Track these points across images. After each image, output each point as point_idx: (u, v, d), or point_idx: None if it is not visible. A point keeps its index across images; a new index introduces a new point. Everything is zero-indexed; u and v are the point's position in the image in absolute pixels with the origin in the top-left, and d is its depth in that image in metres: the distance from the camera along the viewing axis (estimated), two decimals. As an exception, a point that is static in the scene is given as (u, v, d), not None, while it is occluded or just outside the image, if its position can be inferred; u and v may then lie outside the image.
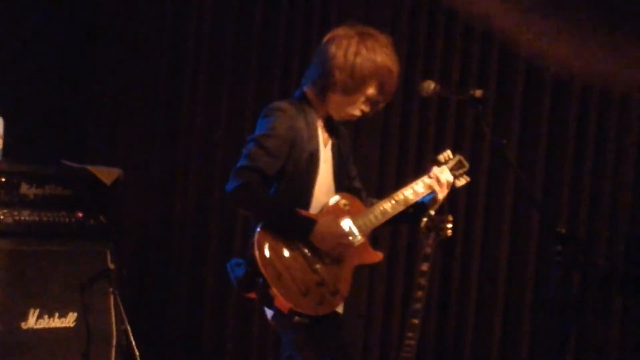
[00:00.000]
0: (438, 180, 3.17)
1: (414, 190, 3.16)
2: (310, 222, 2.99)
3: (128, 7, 4.99)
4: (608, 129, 3.98)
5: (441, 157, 3.24)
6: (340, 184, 3.16)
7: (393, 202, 3.14)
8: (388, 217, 3.13)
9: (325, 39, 3.10)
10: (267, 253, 2.93)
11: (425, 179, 3.18)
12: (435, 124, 4.28)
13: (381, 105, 3.13)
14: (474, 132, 4.20)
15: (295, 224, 2.99)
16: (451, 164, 3.24)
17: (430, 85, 3.12)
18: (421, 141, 4.30)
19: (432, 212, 3.16)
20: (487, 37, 4.17)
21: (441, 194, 3.17)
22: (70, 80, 4.87)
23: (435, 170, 3.19)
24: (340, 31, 3.08)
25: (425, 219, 3.14)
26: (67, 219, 4.04)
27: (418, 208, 3.19)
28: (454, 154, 3.27)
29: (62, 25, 4.78)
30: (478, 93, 2.96)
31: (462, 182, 3.28)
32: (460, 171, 3.25)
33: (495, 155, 4.14)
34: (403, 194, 3.15)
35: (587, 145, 4.01)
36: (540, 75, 4.08)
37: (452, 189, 3.26)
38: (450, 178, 3.20)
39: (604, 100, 3.99)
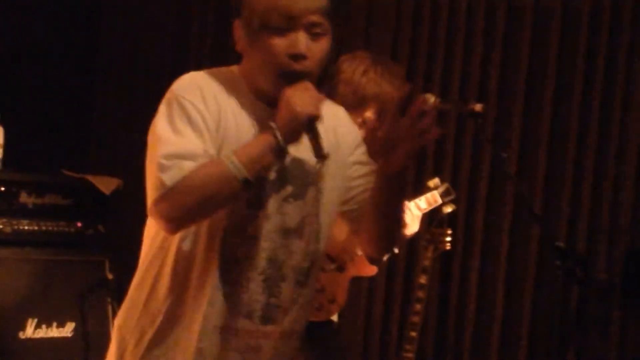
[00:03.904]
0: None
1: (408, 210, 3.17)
2: None
3: (130, 17, 5.00)
4: (609, 142, 3.98)
5: (431, 184, 3.27)
6: None
7: None
8: None
9: (342, 58, 3.10)
10: None
11: (419, 201, 3.18)
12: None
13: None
14: (473, 144, 4.20)
15: None
16: (441, 190, 3.26)
17: (430, 99, 3.11)
18: (420, 154, 4.30)
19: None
20: (486, 50, 4.19)
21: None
22: (71, 89, 4.87)
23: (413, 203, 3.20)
24: (357, 53, 3.09)
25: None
26: (66, 229, 4.04)
27: None
28: (441, 181, 3.30)
29: (63, 34, 4.79)
30: (478, 107, 2.94)
31: (449, 209, 3.33)
32: (449, 198, 3.28)
33: (495, 168, 4.14)
34: None
35: (587, 158, 4.01)
36: (541, 87, 4.09)
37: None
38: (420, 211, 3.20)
39: (603, 113, 3.99)
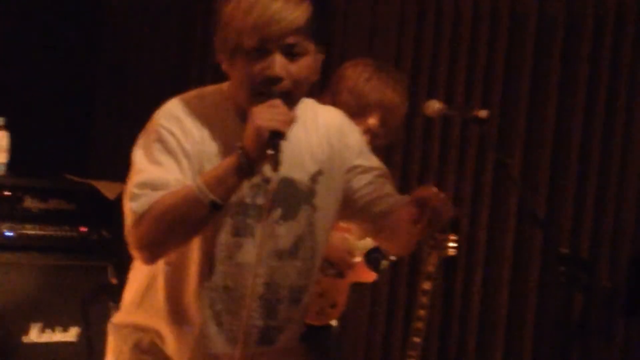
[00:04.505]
0: None
1: None
2: None
3: (133, 21, 5.00)
4: (612, 148, 3.98)
5: None
6: None
7: None
8: None
9: (345, 65, 3.09)
10: None
11: None
12: (439, 142, 4.28)
13: (383, 141, 3.09)
14: (477, 150, 4.20)
15: None
16: None
17: (434, 105, 3.11)
18: (424, 159, 4.30)
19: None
20: (491, 57, 4.19)
21: None
22: (74, 94, 4.88)
23: None
24: (360, 60, 3.08)
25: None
26: (70, 234, 4.04)
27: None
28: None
29: (65, 38, 4.79)
30: (483, 113, 2.94)
31: None
32: None
33: (499, 174, 4.14)
34: None
35: (590, 164, 4.01)
36: (544, 93, 4.09)
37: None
38: None
39: (607, 119, 3.99)
